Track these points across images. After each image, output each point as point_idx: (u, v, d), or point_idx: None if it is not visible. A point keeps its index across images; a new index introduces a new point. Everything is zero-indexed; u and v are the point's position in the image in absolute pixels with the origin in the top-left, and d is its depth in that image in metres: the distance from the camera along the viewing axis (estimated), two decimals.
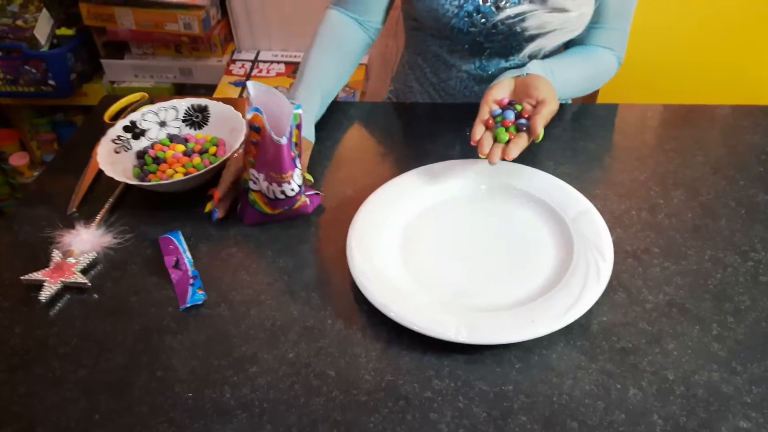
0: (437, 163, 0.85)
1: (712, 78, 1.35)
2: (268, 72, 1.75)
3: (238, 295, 0.72)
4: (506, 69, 1.03)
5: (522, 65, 0.90)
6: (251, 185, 0.77)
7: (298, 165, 0.75)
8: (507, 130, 0.78)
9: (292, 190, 0.75)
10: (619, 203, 0.81)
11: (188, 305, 0.71)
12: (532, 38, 0.92)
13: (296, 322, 0.69)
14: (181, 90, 1.84)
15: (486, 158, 0.77)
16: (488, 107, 0.83)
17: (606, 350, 0.64)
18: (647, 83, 1.30)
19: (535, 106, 0.82)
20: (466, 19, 0.96)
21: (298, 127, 0.73)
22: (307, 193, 0.80)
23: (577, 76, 0.93)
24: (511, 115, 0.80)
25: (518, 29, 0.93)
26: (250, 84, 0.74)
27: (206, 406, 0.62)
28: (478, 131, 0.79)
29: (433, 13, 0.97)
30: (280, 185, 0.74)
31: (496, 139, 0.79)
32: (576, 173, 0.85)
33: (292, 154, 0.73)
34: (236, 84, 1.71)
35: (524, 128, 0.79)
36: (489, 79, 1.05)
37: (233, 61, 1.80)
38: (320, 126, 1.00)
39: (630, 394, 0.60)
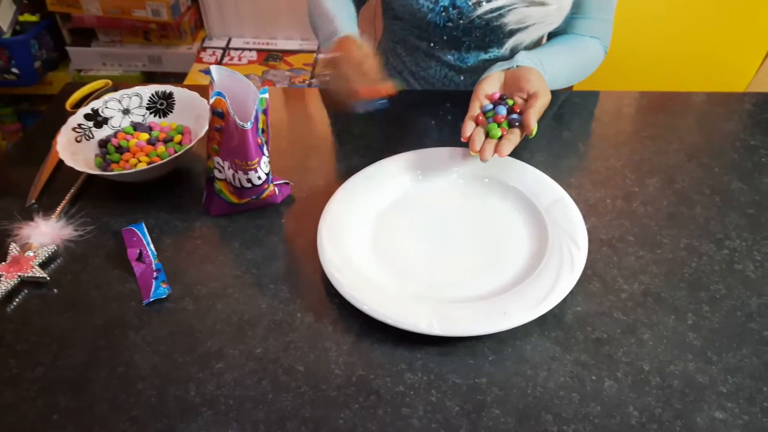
0: (411, 151, 0.83)
1: (687, 65, 1.35)
2: (239, 59, 1.72)
3: (203, 288, 0.70)
4: (486, 61, 1.02)
5: (503, 58, 0.89)
6: (216, 174, 0.74)
7: (266, 152, 0.72)
8: (499, 125, 0.76)
9: (259, 178, 0.72)
10: (594, 191, 0.80)
11: (152, 299, 0.69)
12: (512, 33, 0.91)
13: (264, 316, 0.67)
14: (150, 78, 1.80)
15: (477, 155, 0.75)
16: (479, 102, 0.81)
17: (581, 341, 0.63)
18: (623, 70, 1.29)
19: (526, 100, 0.80)
20: (442, 14, 0.94)
21: (265, 112, 0.71)
22: (276, 183, 0.78)
23: (566, 66, 0.91)
24: (503, 111, 0.78)
25: (497, 24, 0.91)
26: (213, 68, 0.71)
27: (170, 404, 0.59)
28: (469, 127, 0.77)
29: (409, 7, 0.95)
30: (246, 173, 0.71)
31: (487, 135, 0.77)
32: (551, 161, 0.84)
33: (259, 140, 0.70)
34: (207, 72, 1.67)
35: (517, 123, 0.77)
36: (469, 71, 1.04)
37: (204, 49, 1.75)
38: (291, 112, 0.98)
39: (605, 385, 0.59)
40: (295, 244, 0.75)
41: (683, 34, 1.34)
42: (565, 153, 0.87)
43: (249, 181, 0.72)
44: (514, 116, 0.77)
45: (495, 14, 0.89)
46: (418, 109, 0.96)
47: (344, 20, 0.91)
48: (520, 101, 0.80)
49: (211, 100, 0.67)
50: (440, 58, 1.03)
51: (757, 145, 0.86)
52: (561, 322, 0.65)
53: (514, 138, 0.75)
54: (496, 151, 0.74)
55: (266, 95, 0.69)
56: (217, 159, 0.72)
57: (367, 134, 0.93)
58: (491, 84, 0.83)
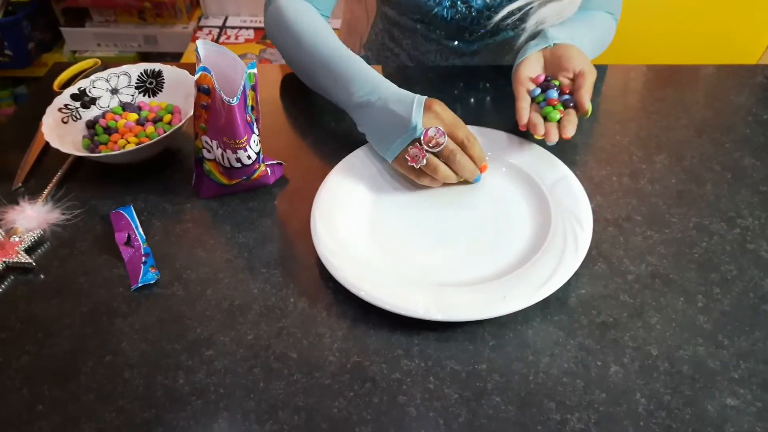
0: None
1: (696, 37, 1.31)
2: (236, 38, 1.68)
3: (193, 273, 0.67)
4: (493, 45, 0.98)
5: (512, 39, 0.85)
6: (205, 154, 0.71)
7: (255, 130, 0.69)
8: (555, 108, 0.74)
9: (249, 157, 0.70)
10: (600, 169, 0.77)
11: (140, 285, 0.66)
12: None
13: (256, 302, 0.64)
14: (146, 59, 1.75)
15: (542, 138, 0.72)
16: (524, 87, 0.78)
17: (585, 325, 0.60)
18: (629, 43, 1.25)
19: (572, 79, 0.76)
20: (450, 8, 0.91)
21: (254, 88, 0.68)
22: (268, 163, 0.75)
23: (590, 41, 0.87)
24: (554, 94, 0.75)
25: (513, 26, 0.88)
26: (199, 42, 0.68)
27: (158, 393, 0.57)
28: (525, 114, 0.74)
29: (414, 0, 0.92)
30: (235, 152, 0.68)
31: (545, 119, 0.74)
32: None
33: (248, 117, 0.67)
34: None
35: (571, 104, 0.74)
36: (473, 54, 1.00)
37: (200, 28, 1.72)
38: (284, 91, 0.94)
39: (611, 371, 0.57)
40: (289, 227, 0.72)
41: (691, 4, 1.29)
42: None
43: (238, 160, 0.69)
44: (566, 97, 0.75)
45: (512, 19, 0.86)
46: (416, 85, 0.92)
47: (374, 75, 0.76)
48: (566, 81, 0.77)
49: (196, 76, 0.64)
50: (442, 43, 1.00)
51: None
52: (564, 305, 0.62)
53: (573, 119, 0.73)
54: (560, 132, 0.72)
55: (254, 70, 0.66)
56: (205, 138, 0.69)
57: None
58: (532, 66, 0.79)
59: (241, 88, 0.64)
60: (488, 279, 0.63)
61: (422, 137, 0.68)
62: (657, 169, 0.76)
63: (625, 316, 0.61)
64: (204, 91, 0.65)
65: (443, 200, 0.73)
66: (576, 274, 0.62)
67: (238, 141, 0.67)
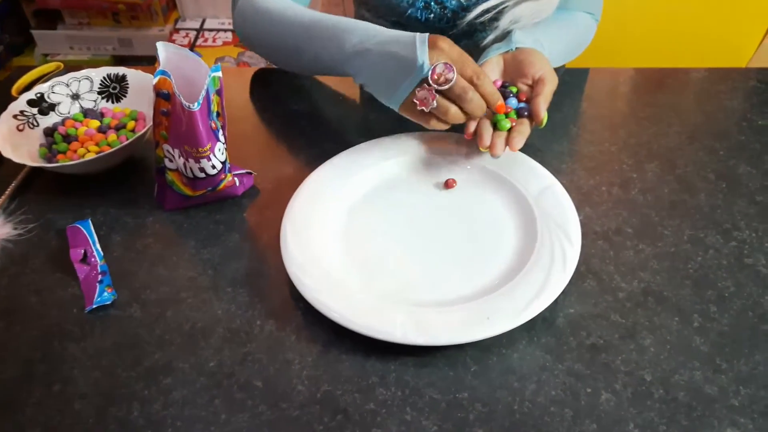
0: (386, 137, 0.75)
1: (683, 39, 1.27)
2: (214, 41, 1.63)
3: (153, 293, 0.63)
4: (466, 48, 0.94)
5: (490, 42, 0.80)
6: (167, 163, 0.66)
7: (221, 137, 0.65)
8: (507, 116, 0.69)
9: (213, 167, 0.65)
10: (588, 178, 0.73)
11: (95, 306, 0.61)
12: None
13: (220, 324, 0.59)
14: (121, 62, 1.71)
15: (486, 151, 0.68)
16: None
17: (574, 347, 0.56)
18: (614, 45, 1.22)
19: (531, 86, 0.72)
20: (423, 9, 0.87)
21: (219, 92, 0.63)
22: (236, 172, 0.70)
23: (561, 44, 0.83)
24: (513, 102, 0.70)
25: (488, 25, 0.84)
26: (159, 44, 0.63)
27: (110, 427, 0.52)
28: (473, 122, 0.69)
29: (387, 1, 0.88)
30: (198, 161, 0.63)
31: (495, 128, 0.69)
32: (539, 145, 0.76)
33: (212, 124, 0.63)
34: None
35: (525, 113, 0.70)
36: None
37: (177, 30, 1.67)
38: (257, 95, 0.90)
39: (602, 399, 0.52)
40: (258, 242, 0.67)
41: (677, 5, 1.26)
42: (556, 136, 0.79)
43: (202, 170, 0.64)
44: (522, 105, 0.70)
45: (486, 17, 0.81)
46: None
47: (366, 23, 0.71)
48: (524, 88, 0.73)
49: (154, 81, 0.59)
50: None
51: (766, 125, 0.79)
52: (552, 326, 0.58)
53: (525, 129, 0.68)
54: (507, 145, 0.67)
55: (219, 74, 0.62)
56: (167, 147, 0.65)
57: (341, 117, 0.86)
58: (490, 71, 0.75)
59: (204, 92, 0.60)
60: (470, 298, 0.58)
61: (430, 75, 0.62)
62: (648, 179, 0.72)
63: (616, 338, 0.57)
64: (163, 96, 0.61)
65: (422, 212, 0.68)
66: (564, 292, 0.58)
67: (201, 150, 0.62)
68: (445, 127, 0.66)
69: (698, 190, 0.70)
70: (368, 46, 0.67)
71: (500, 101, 0.67)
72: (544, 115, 0.68)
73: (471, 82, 0.64)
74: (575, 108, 0.85)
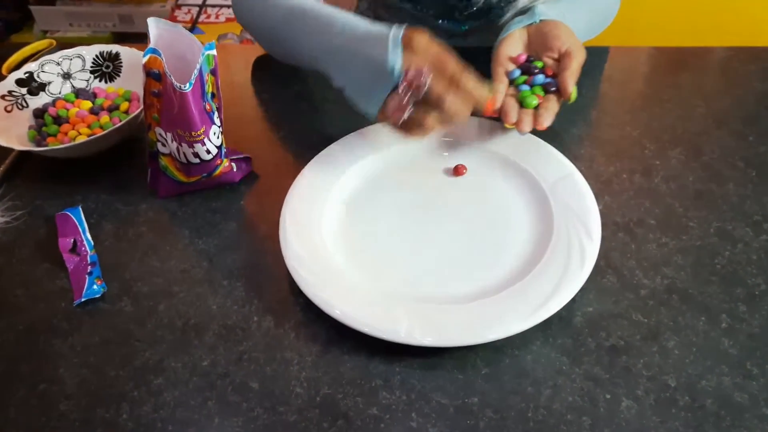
0: None
1: (707, 16, 1.21)
2: (217, 18, 1.58)
3: (145, 285, 0.59)
4: (481, 25, 0.89)
5: (507, 20, 0.75)
6: (160, 148, 0.62)
7: (216, 120, 0.61)
8: (533, 92, 0.65)
9: (208, 152, 0.61)
10: (608, 165, 0.68)
11: (83, 299, 0.58)
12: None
13: (215, 320, 0.56)
14: (121, 39, 1.66)
15: (513, 128, 0.63)
16: (503, 68, 0.69)
17: (592, 349, 0.52)
18: (635, 23, 1.16)
19: (558, 60, 0.68)
20: None
21: (214, 72, 0.59)
22: (233, 157, 0.67)
23: (585, 18, 0.77)
24: (540, 77, 0.66)
25: (505, 1, 0.78)
26: (150, 21, 0.59)
27: (96, 430, 0.49)
28: (498, 98, 0.65)
29: None
30: (191, 146, 0.60)
31: (521, 105, 0.65)
32: (556, 130, 0.71)
33: (207, 106, 0.59)
34: None
35: (552, 89, 0.65)
36: (463, 35, 0.91)
37: (179, 6, 1.62)
38: (257, 75, 0.85)
39: (622, 406, 0.49)
40: (256, 232, 0.64)
41: None
42: (573, 120, 0.74)
43: (196, 155, 0.61)
44: (548, 80, 0.66)
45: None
46: None
47: (348, 14, 0.65)
48: (550, 62, 0.68)
49: (144, 59, 0.55)
50: (430, 22, 0.91)
51: None
52: (569, 325, 0.54)
53: (552, 106, 0.64)
54: (534, 123, 0.63)
55: (213, 51, 0.58)
56: (159, 130, 0.61)
57: (345, 99, 0.81)
58: (513, 45, 0.70)
59: (196, 72, 0.56)
60: (481, 295, 0.54)
61: (401, 82, 0.55)
62: (672, 166, 0.68)
63: (638, 339, 0.53)
64: (154, 76, 0.57)
65: (430, 202, 0.64)
66: (581, 288, 0.54)
67: (194, 133, 0.58)
68: (426, 137, 0.60)
69: (726, 179, 0.66)
70: (339, 42, 0.61)
71: (489, 99, 0.60)
72: (572, 90, 0.64)
73: (452, 81, 0.57)
74: (594, 89, 0.80)
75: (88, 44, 0.79)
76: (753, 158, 0.68)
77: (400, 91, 0.56)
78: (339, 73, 0.62)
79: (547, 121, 0.62)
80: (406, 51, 0.56)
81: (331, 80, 0.64)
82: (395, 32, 0.57)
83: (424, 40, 0.57)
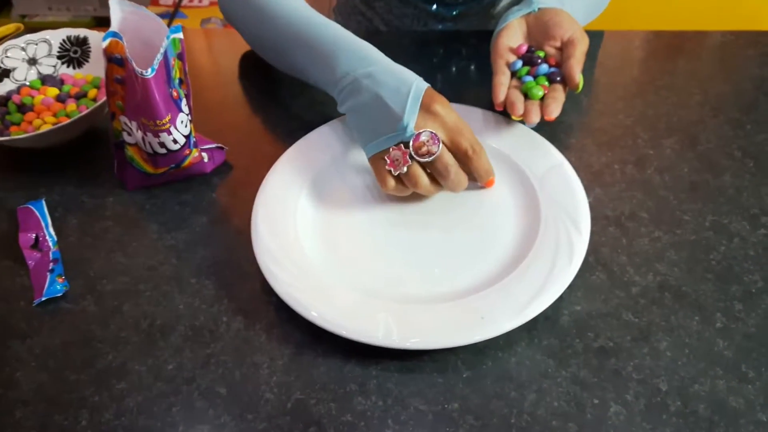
0: None
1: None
2: (200, 1, 1.53)
3: (109, 284, 0.56)
4: (473, 9, 0.85)
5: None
6: (125, 137, 0.59)
7: (184, 108, 0.57)
8: (538, 82, 0.62)
9: (175, 141, 0.58)
10: (599, 155, 0.65)
11: (44, 298, 0.55)
12: None
13: (181, 321, 0.53)
14: (103, 23, 1.62)
15: (520, 120, 0.61)
16: (503, 60, 0.65)
17: (580, 351, 0.49)
18: (629, 5, 1.12)
19: (560, 49, 0.65)
20: None
21: (180, 57, 0.56)
22: (205, 147, 0.63)
23: (583, 5, 0.74)
24: (543, 67, 0.63)
25: None
26: (113, 2, 0.55)
27: None
28: (501, 90, 0.62)
29: None
30: (156, 135, 0.56)
31: (526, 96, 0.62)
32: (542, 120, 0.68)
33: (173, 92, 0.55)
34: (164, 16, 1.49)
35: (558, 78, 0.62)
36: (453, 19, 0.87)
37: None
38: (232, 60, 0.82)
39: (611, 411, 0.46)
40: (228, 227, 0.60)
41: None
42: (564, 107, 0.71)
43: (162, 145, 0.57)
44: (553, 70, 0.63)
45: None
46: (390, 53, 0.80)
47: (362, 45, 0.62)
48: (553, 51, 0.65)
49: (104, 44, 0.52)
50: (419, 6, 0.87)
51: None
52: (555, 326, 0.51)
53: (559, 96, 0.61)
54: (542, 113, 0.60)
55: (179, 35, 0.54)
56: (124, 119, 0.57)
57: None
58: (512, 35, 0.67)
59: (160, 56, 0.52)
60: (463, 294, 0.51)
61: (411, 142, 0.55)
62: (666, 156, 0.65)
63: (628, 340, 0.50)
64: (116, 61, 0.53)
65: (412, 198, 0.60)
66: (569, 286, 0.51)
67: (159, 122, 0.55)
68: (405, 194, 0.58)
69: (722, 170, 0.63)
70: (359, 77, 0.58)
71: (492, 178, 0.59)
72: (579, 79, 0.61)
73: (465, 155, 0.56)
74: (586, 75, 0.75)
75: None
76: (751, 148, 0.65)
77: (407, 148, 0.55)
78: (349, 106, 0.60)
79: (555, 111, 0.59)
80: (422, 112, 0.55)
81: (338, 105, 0.62)
82: (417, 90, 0.56)
83: (444, 106, 0.56)
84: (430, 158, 0.54)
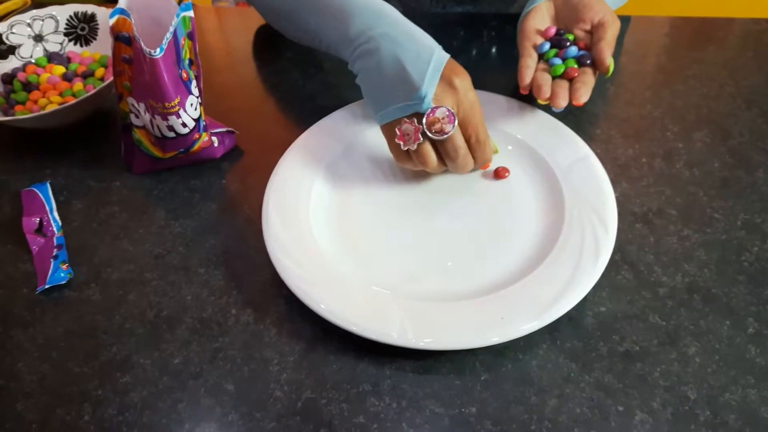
0: None
1: None
2: None
3: (114, 272, 0.54)
4: None
5: None
6: (133, 119, 0.57)
7: (194, 90, 0.55)
8: (567, 65, 0.59)
9: (184, 125, 0.55)
10: (626, 147, 0.62)
11: (47, 286, 0.53)
12: None
13: (188, 312, 0.51)
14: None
15: (547, 103, 0.57)
16: (530, 42, 0.62)
17: (604, 355, 0.47)
18: None
19: (590, 32, 0.62)
20: None
21: (191, 36, 0.53)
22: (215, 131, 0.61)
23: None
24: (573, 50, 0.60)
25: None
26: None
27: None
28: (528, 73, 0.59)
29: None
30: (165, 119, 0.54)
31: (554, 79, 0.59)
32: (569, 107, 0.65)
33: (183, 74, 0.53)
34: None
35: (587, 62, 0.59)
36: (474, 2, 0.84)
37: None
38: (244, 40, 0.79)
39: (636, 420, 0.44)
40: (238, 214, 0.58)
41: None
42: (590, 96, 0.68)
43: (171, 128, 0.55)
44: (583, 53, 0.60)
45: None
46: None
47: (379, 2, 0.58)
48: (582, 34, 0.62)
49: (111, 21, 0.49)
50: None
51: None
52: (578, 327, 0.49)
53: (589, 80, 0.58)
54: (571, 98, 0.57)
55: (190, 13, 0.51)
56: (131, 100, 0.55)
57: (339, 69, 0.75)
58: (540, 18, 0.64)
59: (169, 35, 0.50)
60: (482, 293, 0.49)
61: (425, 116, 0.52)
62: (697, 150, 0.62)
63: (654, 344, 0.48)
64: (123, 40, 0.51)
65: (430, 187, 0.58)
66: (594, 286, 0.48)
67: (167, 105, 0.52)
68: (415, 168, 0.56)
69: (755, 165, 0.60)
70: (376, 35, 0.55)
71: (488, 163, 0.58)
72: (610, 62, 0.58)
73: (468, 140, 0.54)
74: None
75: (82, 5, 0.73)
76: None
77: (421, 122, 0.52)
78: (362, 67, 0.56)
79: (584, 96, 0.56)
80: (442, 84, 0.52)
81: (349, 65, 0.59)
82: (438, 59, 0.53)
83: (464, 81, 0.53)
84: (443, 137, 0.52)
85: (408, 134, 0.53)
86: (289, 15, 0.65)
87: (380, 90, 0.55)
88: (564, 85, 0.58)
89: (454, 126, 0.52)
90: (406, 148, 0.53)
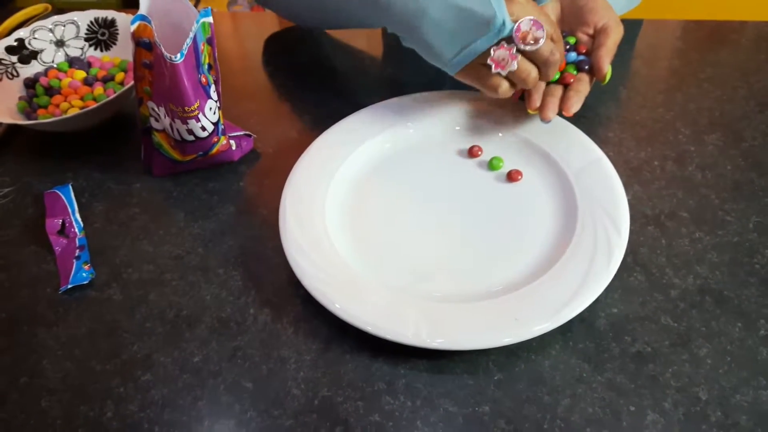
0: (405, 96, 0.66)
1: None
2: None
3: (135, 272, 0.55)
4: None
5: None
6: (153, 123, 0.58)
7: (213, 95, 0.56)
8: (564, 70, 0.60)
9: (203, 129, 0.56)
10: (638, 150, 0.63)
11: (70, 286, 0.54)
12: None
13: (207, 312, 0.52)
14: (130, 4, 1.61)
15: (536, 113, 0.58)
16: None
17: (616, 356, 0.48)
18: None
19: (593, 36, 0.62)
20: None
21: (210, 42, 0.54)
22: (233, 135, 0.62)
23: None
24: (572, 55, 0.61)
25: None
26: None
27: (79, 430, 0.46)
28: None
29: None
30: (185, 122, 0.55)
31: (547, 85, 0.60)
32: (581, 110, 0.66)
33: (202, 78, 0.54)
34: None
35: (585, 67, 0.60)
36: None
37: None
38: (260, 45, 0.80)
39: (648, 420, 0.44)
40: (255, 216, 0.59)
41: None
42: (601, 99, 0.69)
43: (190, 132, 0.56)
44: (581, 58, 0.60)
45: None
46: None
47: None
48: (584, 38, 0.62)
49: (132, 28, 0.50)
50: None
51: None
52: (591, 328, 0.49)
53: (583, 88, 0.58)
54: (561, 107, 0.57)
55: (209, 19, 0.53)
56: (151, 104, 0.56)
57: (354, 73, 0.76)
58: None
59: (189, 41, 0.51)
60: (496, 294, 0.50)
61: (515, 33, 0.52)
62: (709, 152, 0.62)
63: (666, 345, 0.48)
64: (144, 45, 0.52)
65: (444, 189, 0.59)
66: (606, 288, 0.49)
67: (187, 109, 0.54)
68: (511, 94, 0.56)
69: None
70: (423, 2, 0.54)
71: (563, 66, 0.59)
72: (607, 70, 0.58)
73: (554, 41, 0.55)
74: (625, 66, 0.74)
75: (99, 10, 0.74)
76: None
77: (515, 41, 0.52)
78: (415, 32, 0.56)
79: (575, 106, 0.57)
80: (509, 4, 0.52)
81: (391, 29, 0.58)
82: None
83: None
84: (537, 45, 0.52)
85: (503, 59, 0.53)
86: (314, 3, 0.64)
87: (445, 42, 0.54)
88: (556, 93, 0.58)
89: (544, 30, 0.52)
90: (506, 72, 0.53)
